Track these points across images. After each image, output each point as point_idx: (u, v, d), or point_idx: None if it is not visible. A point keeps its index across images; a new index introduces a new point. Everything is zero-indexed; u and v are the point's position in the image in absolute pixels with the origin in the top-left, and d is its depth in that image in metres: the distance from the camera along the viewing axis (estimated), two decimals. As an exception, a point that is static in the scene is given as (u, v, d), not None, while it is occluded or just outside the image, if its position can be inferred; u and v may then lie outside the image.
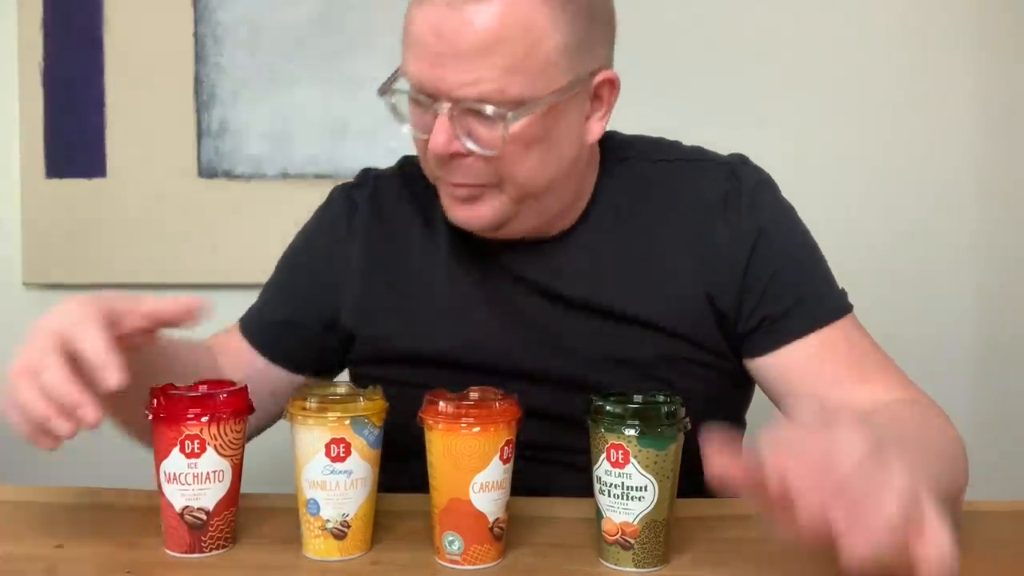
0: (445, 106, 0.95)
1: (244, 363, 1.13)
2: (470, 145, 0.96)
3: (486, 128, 0.95)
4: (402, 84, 1.00)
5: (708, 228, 1.05)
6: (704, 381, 1.07)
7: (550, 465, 1.05)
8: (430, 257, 1.10)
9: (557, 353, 1.06)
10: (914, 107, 1.76)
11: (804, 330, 1.04)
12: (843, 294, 1.10)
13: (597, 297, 1.05)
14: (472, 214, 1.02)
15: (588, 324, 1.05)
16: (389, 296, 1.11)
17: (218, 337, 1.17)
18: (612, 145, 1.12)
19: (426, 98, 0.97)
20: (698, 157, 1.12)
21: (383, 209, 1.15)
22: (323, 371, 1.17)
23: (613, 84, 1.02)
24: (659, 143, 1.15)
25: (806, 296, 1.05)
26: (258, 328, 1.17)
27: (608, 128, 1.07)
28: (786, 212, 1.11)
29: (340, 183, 1.22)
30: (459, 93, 0.93)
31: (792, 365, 1.04)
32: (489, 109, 0.93)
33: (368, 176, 1.19)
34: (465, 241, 1.09)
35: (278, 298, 1.18)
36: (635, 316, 1.05)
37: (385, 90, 1.02)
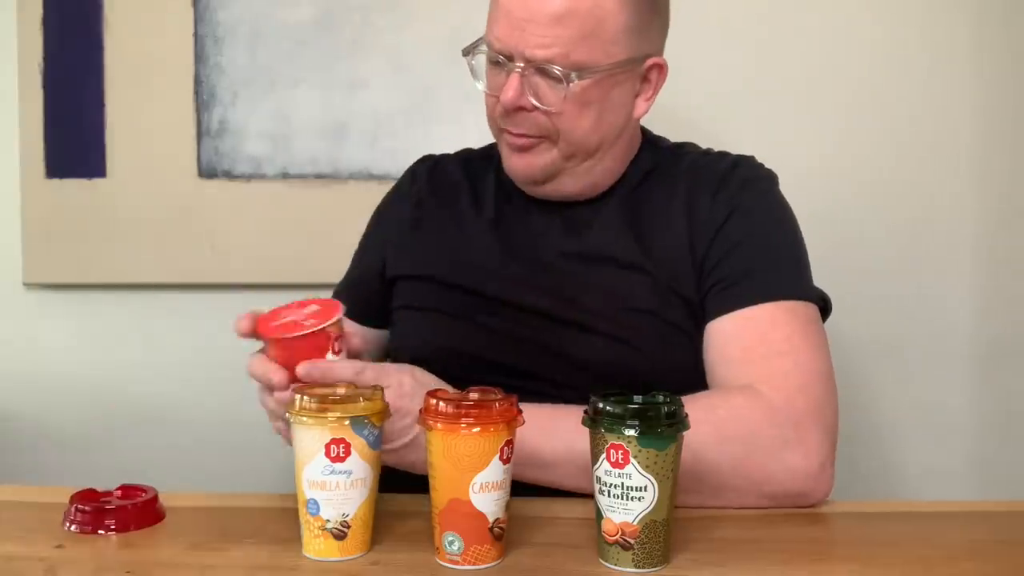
0: (518, 66, 1.11)
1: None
2: (534, 101, 1.12)
3: (550, 88, 1.11)
4: (482, 50, 1.17)
5: (700, 201, 1.18)
6: (685, 337, 1.14)
7: (545, 399, 1.09)
8: (474, 220, 1.26)
9: (568, 297, 1.17)
10: (914, 107, 1.75)
11: (740, 303, 1.11)
12: (804, 285, 1.15)
13: (609, 250, 1.18)
14: (526, 163, 1.18)
15: (598, 273, 1.18)
16: (433, 242, 1.27)
17: None
18: (652, 138, 1.29)
19: (504, 59, 1.12)
20: (715, 153, 1.26)
21: (439, 179, 1.33)
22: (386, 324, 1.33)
23: (661, 69, 1.18)
24: (692, 144, 1.29)
25: (755, 273, 1.13)
26: (339, 291, 1.37)
27: None
28: (770, 202, 1.20)
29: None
30: (532, 54, 1.10)
31: (715, 334, 1.13)
32: (556, 70, 1.09)
33: (432, 156, 1.39)
34: (507, 208, 1.25)
35: (353, 263, 1.39)
36: (638, 265, 1.16)
37: (468, 51, 1.17)
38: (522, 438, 0.95)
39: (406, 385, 0.98)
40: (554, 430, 1.00)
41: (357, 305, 1.31)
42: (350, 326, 1.32)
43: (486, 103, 1.19)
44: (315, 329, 0.96)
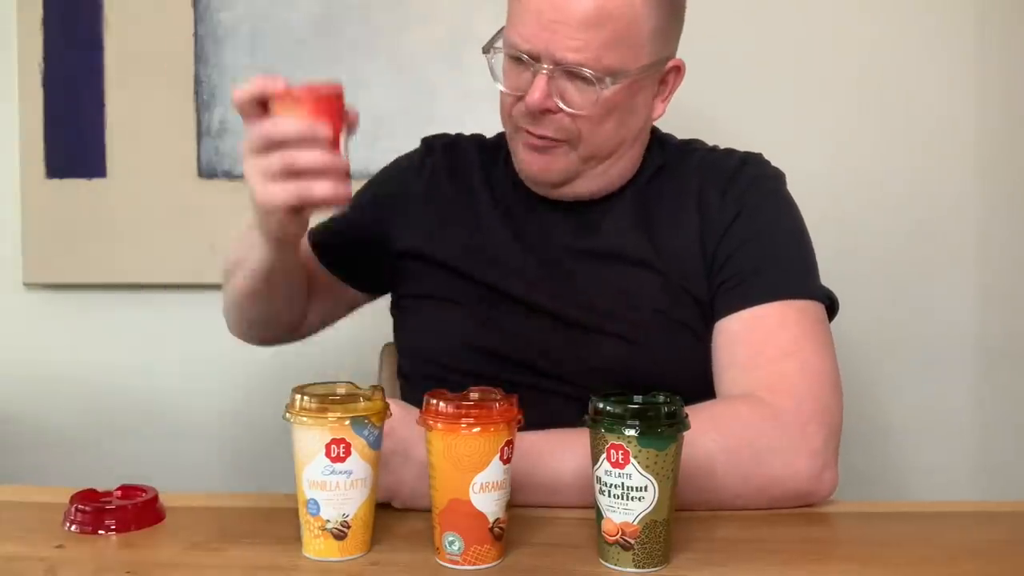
0: (545, 67, 1.09)
1: (310, 265, 1.28)
2: (561, 104, 1.10)
3: (578, 90, 1.10)
4: (501, 47, 1.14)
5: (710, 199, 1.18)
6: (694, 337, 1.14)
7: (549, 393, 1.11)
8: (489, 209, 1.24)
9: (579, 295, 1.16)
10: (915, 107, 1.76)
11: (748, 302, 1.10)
12: (811, 284, 1.14)
13: (619, 248, 1.17)
14: (544, 166, 1.16)
15: (608, 270, 1.17)
16: (448, 222, 1.24)
17: None
18: (659, 135, 1.28)
19: (529, 58, 1.10)
20: (722, 151, 1.26)
21: (456, 158, 1.30)
22: (358, 285, 1.33)
23: (679, 71, 1.19)
24: (699, 141, 1.29)
25: (763, 272, 1.12)
26: (316, 232, 1.31)
27: None
28: (778, 200, 1.20)
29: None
30: (563, 56, 1.08)
31: (723, 334, 1.12)
32: (587, 73, 1.08)
33: (450, 134, 1.35)
34: (520, 203, 1.23)
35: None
36: (648, 263, 1.16)
37: (487, 48, 1.15)
38: (536, 464, 0.98)
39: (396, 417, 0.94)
40: (573, 452, 0.99)
41: (330, 251, 1.30)
42: (309, 260, 1.30)
43: (502, 101, 1.17)
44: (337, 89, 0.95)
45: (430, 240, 1.23)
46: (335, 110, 0.96)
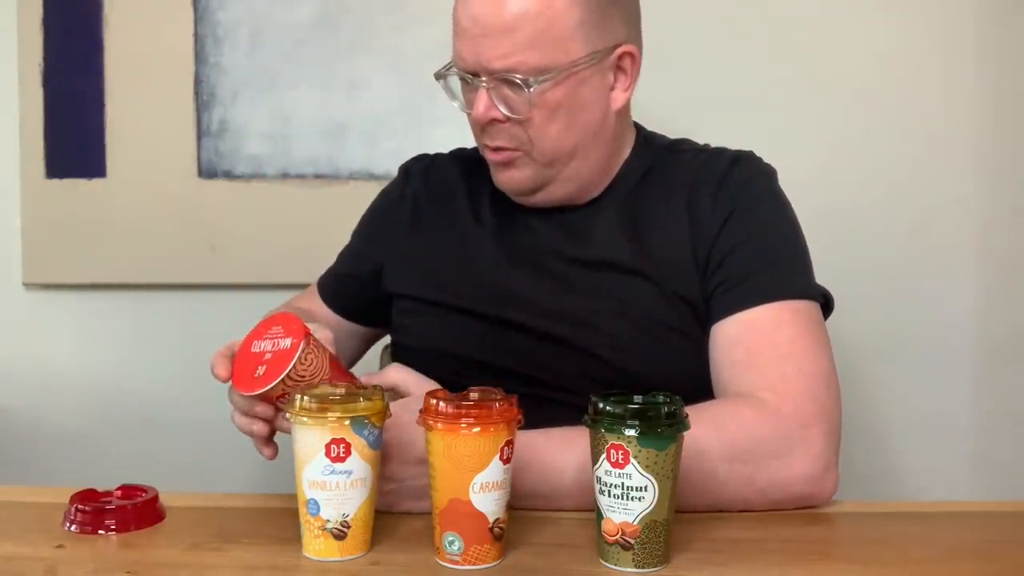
0: (483, 80, 1.12)
1: (325, 320, 1.29)
2: (504, 110, 1.12)
3: (516, 96, 1.12)
4: (454, 72, 1.17)
5: (701, 201, 1.17)
6: (689, 341, 1.14)
7: (546, 402, 1.10)
8: (474, 225, 1.25)
9: (571, 305, 1.17)
10: (915, 107, 1.75)
11: (743, 305, 1.10)
12: (806, 283, 1.14)
13: (610, 256, 1.17)
14: (510, 177, 1.18)
15: (600, 279, 1.17)
16: (434, 248, 1.26)
17: (308, 303, 1.37)
18: (647, 135, 1.27)
19: (470, 76, 1.13)
20: (712, 150, 1.25)
21: (435, 179, 1.32)
22: (377, 323, 1.36)
23: (633, 57, 1.16)
24: (688, 140, 1.28)
25: (758, 273, 1.12)
26: (326, 283, 1.39)
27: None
28: (770, 200, 1.20)
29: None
30: (492, 66, 1.10)
31: (720, 337, 1.12)
32: (516, 78, 1.10)
33: (427, 155, 1.37)
34: (505, 213, 1.24)
35: (344, 257, 1.39)
36: (640, 270, 1.15)
37: (441, 75, 1.18)
38: (536, 464, 0.98)
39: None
40: (573, 452, 0.98)
41: (340, 300, 1.36)
42: (324, 315, 1.33)
43: (469, 123, 1.19)
44: (283, 377, 0.93)
45: (419, 272, 1.25)
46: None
